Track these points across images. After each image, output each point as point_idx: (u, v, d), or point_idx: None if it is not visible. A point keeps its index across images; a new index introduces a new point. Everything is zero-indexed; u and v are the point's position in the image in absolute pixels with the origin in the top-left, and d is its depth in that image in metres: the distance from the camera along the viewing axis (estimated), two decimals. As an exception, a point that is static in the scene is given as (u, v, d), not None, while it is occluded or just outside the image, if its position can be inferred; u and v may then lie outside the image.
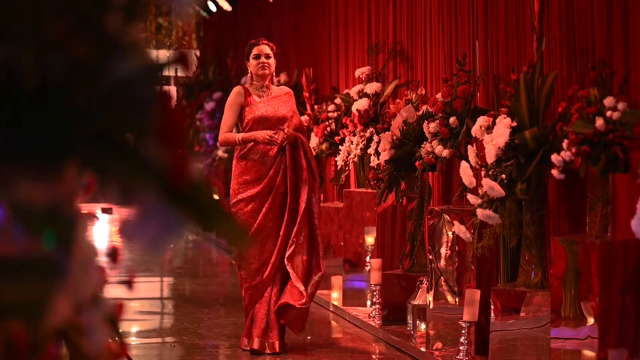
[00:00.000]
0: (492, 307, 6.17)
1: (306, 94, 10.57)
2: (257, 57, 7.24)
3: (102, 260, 1.77)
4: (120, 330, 1.96)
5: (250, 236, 7.04)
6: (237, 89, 7.32)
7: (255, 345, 7.09)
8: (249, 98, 7.22)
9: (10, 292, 1.44)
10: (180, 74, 15.83)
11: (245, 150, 7.18)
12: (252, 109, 7.18)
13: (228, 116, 7.20)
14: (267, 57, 7.25)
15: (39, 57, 1.43)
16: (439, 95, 7.24)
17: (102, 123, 1.45)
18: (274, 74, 7.35)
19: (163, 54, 1.49)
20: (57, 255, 1.50)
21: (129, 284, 2.06)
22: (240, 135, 7.11)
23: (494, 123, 6.07)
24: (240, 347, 7.24)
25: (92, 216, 1.85)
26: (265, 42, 7.31)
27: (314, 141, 9.81)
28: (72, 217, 1.55)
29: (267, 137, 7.07)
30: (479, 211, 5.93)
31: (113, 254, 1.91)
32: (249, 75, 7.33)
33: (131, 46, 1.48)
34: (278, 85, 7.48)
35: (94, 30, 1.47)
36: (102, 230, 14.49)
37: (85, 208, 1.71)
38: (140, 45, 1.50)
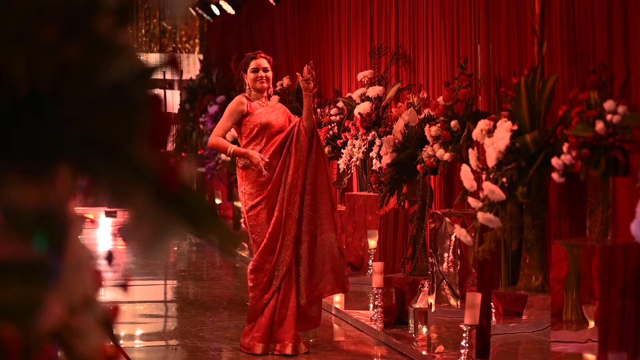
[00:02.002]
0: (494, 310, 6.17)
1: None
2: (256, 70, 7.35)
3: (98, 263, 1.78)
4: (115, 333, 1.96)
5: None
6: (239, 98, 7.42)
7: (289, 350, 7.24)
8: (251, 107, 7.32)
9: (2, 294, 1.45)
10: (183, 77, 15.85)
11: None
12: (259, 116, 7.29)
13: (226, 121, 7.33)
14: (265, 70, 7.35)
15: (31, 60, 1.44)
16: (440, 99, 7.24)
17: (93, 126, 1.46)
18: (270, 86, 7.48)
19: (153, 58, 1.50)
20: (48, 258, 1.51)
21: (124, 287, 2.06)
22: (233, 149, 7.21)
23: (494, 127, 6.07)
24: (255, 351, 7.27)
25: (85, 219, 1.85)
26: (263, 55, 7.41)
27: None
28: (64, 219, 1.56)
29: (261, 165, 7.15)
30: (480, 215, 5.93)
31: (109, 257, 1.92)
32: (247, 87, 7.43)
33: (122, 50, 1.49)
34: (269, 97, 7.59)
35: (85, 34, 1.48)
36: (106, 233, 14.49)
37: (81, 211, 1.71)
38: (131, 48, 1.50)
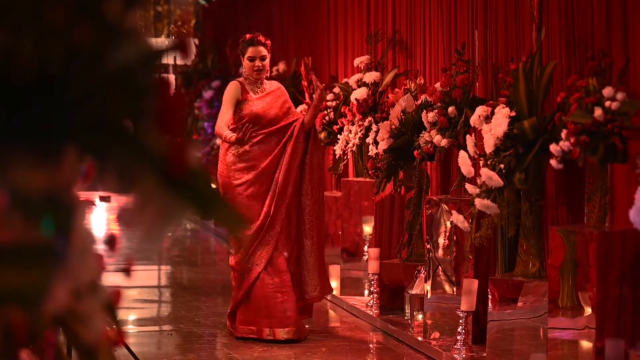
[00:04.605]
0: (490, 296, 6.17)
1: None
2: (252, 59, 7.25)
3: (100, 247, 1.77)
4: (117, 318, 1.96)
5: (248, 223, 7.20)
6: (234, 84, 7.33)
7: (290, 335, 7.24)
8: (245, 94, 7.26)
9: (8, 279, 1.44)
10: (179, 62, 15.82)
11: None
12: (249, 105, 7.24)
13: (226, 110, 7.22)
14: (262, 59, 7.26)
15: (39, 43, 1.43)
16: (437, 85, 7.23)
17: (101, 109, 1.45)
18: (267, 74, 7.40)
19: (162, 41, 1.49)
20: (55, 242, 1.50)
21: (126, 271, 2.06)
22: (229, 136, 7.08)
23: (492, 113, 6.06)
24: (262, 336, 7.27)
25: (90, 203, 1.85)
26: (262, 39, 7.28)
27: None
28: (70, 203, 1.55)
29: (233, 140, 7.07)
30: (477, 201, 5.93)
31: (111, 241, 1.91)
32: (243, 71, 7.38)
33: (130, 33, 1.48)
34: (268, 79, 7.47)
35: (94, 16, 1.47)
36: (100, 218, 14.48)
37: (83, 195, 1.70)
38: (140, 32, 1.49)
